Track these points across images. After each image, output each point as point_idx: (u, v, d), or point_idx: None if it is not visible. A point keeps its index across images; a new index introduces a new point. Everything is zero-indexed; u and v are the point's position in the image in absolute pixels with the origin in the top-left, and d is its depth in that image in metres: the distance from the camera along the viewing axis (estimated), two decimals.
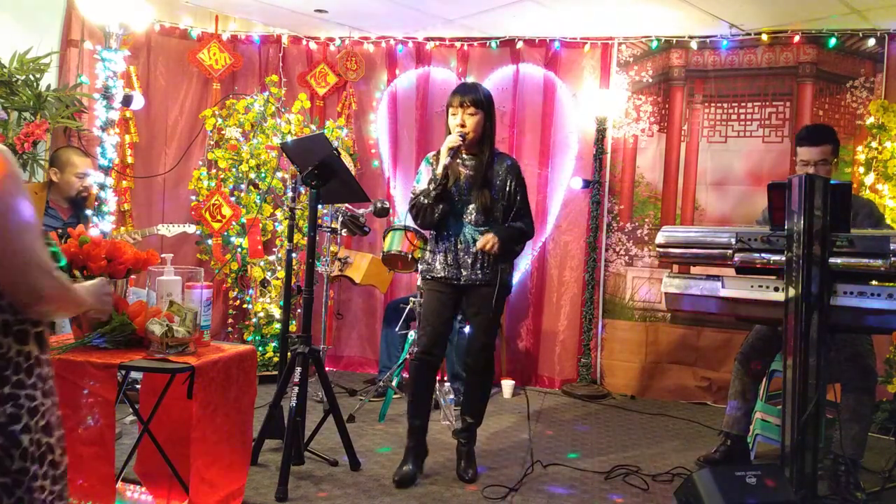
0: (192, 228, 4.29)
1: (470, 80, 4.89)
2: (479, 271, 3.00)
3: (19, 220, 1.28)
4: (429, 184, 2.96)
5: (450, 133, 2.99)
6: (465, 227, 3.02)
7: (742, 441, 3.37)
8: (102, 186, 3.71)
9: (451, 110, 2.99)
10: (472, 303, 3.05)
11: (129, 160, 4.77)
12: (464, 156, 3.03)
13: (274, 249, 4.83)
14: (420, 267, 3.20)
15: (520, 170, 3.10)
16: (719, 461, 3.32)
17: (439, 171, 2.93)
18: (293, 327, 4.55)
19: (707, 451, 3.50)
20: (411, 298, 3.94)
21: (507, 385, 4.63)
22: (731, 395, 3.41)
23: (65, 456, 1.39)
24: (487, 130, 3.00)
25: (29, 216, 1.29)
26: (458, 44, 5.04)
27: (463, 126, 2.94)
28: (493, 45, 4.99)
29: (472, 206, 3.01)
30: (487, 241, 2.92)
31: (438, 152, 3.01)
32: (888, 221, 3.87)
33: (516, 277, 4.97)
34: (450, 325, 3.12)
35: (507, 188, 3.03)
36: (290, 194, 3.65)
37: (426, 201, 2.96)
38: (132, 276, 2.48)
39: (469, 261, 3.00)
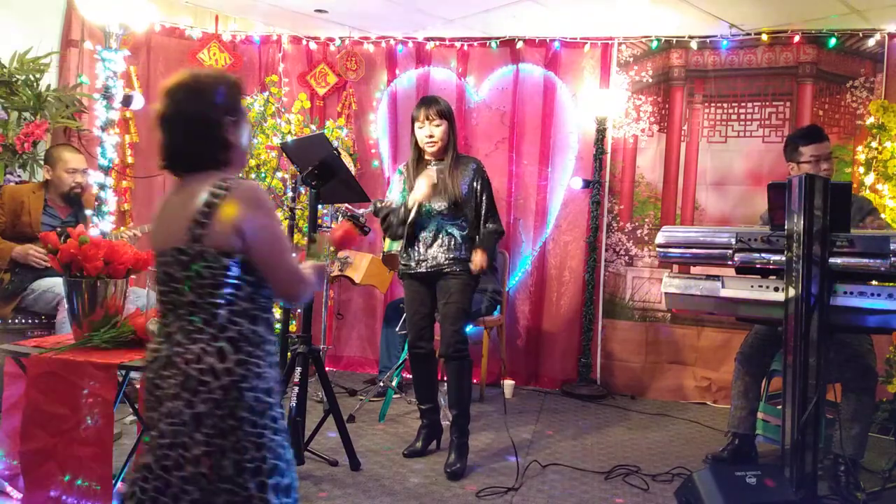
0: None
1: (471, 81, 4.95)
2: (447, 261, 3.22)
3: (285, 246, 1.66)
4: (401, 207, 3.20)
5: (417, 144, 3.26)
6: (433, 221, 3.21)
7: (749, 440, 3.37)
8: (102, 186, 3.71)
9: (416, 123, 3.25)
10: (441, 293, 3.24)
11: (129, 160, 4.78)
12: (432, 163, 3.27)
13: None
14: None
15: (484, 171, 3.35)
16: (727, 460, 3.33)
17: (411, 204, 3.15)
18: (293, 327, 4.54)
19: (709, 451, 3.50)
20: None
21: (508, 385, 4.63)
22: (734, 395, 3.42)
23: (283, 416, 1.67)
24: (451, 137, 3.26)
25: (287, 240, 1.72)
26: (458, 44, 5.04)
27: (431, 137, 3.20)
28: (493, 45, 4.99)
29: (442, 204, 3.20)
30: (479, 262, 3.20)
31: (407, 165, 3.31)
32: (888, 222, 3.88)
33: (516, 278, 4.99)
34: (430, 316, 3.33)
35: (475, 186, 3.27)
36: (290, 194, 3.65)
37: (395, 220, 3.23)
38: (132, 276, 2.48)
39: (437, 253, 3.23)
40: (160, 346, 1.61)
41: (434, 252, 3.22)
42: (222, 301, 1.58)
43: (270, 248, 1.61)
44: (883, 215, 3.64)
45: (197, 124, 1.63)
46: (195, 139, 1.64)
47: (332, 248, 2.15)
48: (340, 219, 3.82)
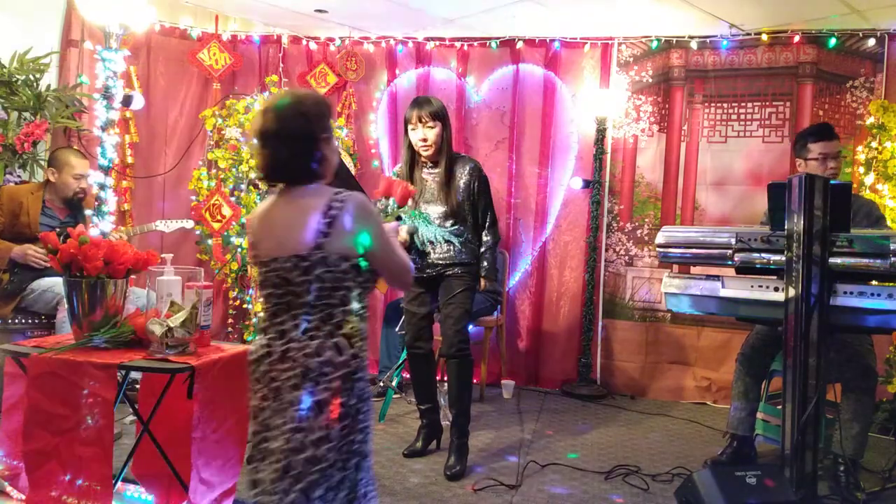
0: (189, 224, 4.32)
1: (471, 81, 4.97)
2: (449, 263, 3.24)
3: (395, 244, 1.92)
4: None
5: (411, 146, 3.24)
6: (434, 229, 3.18)
7: (748, 441, 3.36)
8: (102, 186, 3.70)
9: (409, 126, 3.22)
10: (444, 293, 3.26)
11: (129, 160, 4.77)
12: (427, 165, 3.26)
13: None
14: None
15: (482, 171, 3.32)
16: (726, 463, 3.32)
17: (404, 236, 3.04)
18: None
19: (709, 451, 3.50)
20: None
21: (507, 385, 4.63)
22: (734, 396, 3.41)
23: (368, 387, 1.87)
24: (445, 139, 3.23)
25: (393, 238, 1.96)
26: (458, 44, 5.04)
27: (425, 140, 3.17)
28: (493, 45, 4.99)
29: (440, 210, 3.21)
30: (484, 286, 3.32)
31: (402, 167, 3.32)
32: (888, 222, 3.87)
33: (516, 278, 4.98)
34: (429, 317, 3.35)
35: (471, 188, 3.24)
36: None
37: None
38: (132, 276, 2.48)
39: (437, 259, 3.24)
40: (271, 342, 1.78)
41: (435, 258, 3.24)
42: (337, 302, 1.78)
43: (385, 250, 1.84)
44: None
45: (300, 141, 1.81)
46: (298, 154, 1.81)
47: (396, 206, 2.37)
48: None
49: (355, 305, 1.81)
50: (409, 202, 2.50)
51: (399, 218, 2.56)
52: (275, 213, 1.85)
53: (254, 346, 1.84)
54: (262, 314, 1.86)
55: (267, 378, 1.78)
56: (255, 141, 1.86)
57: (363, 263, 1.81)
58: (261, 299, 1.88)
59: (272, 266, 1.80)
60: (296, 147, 1.80)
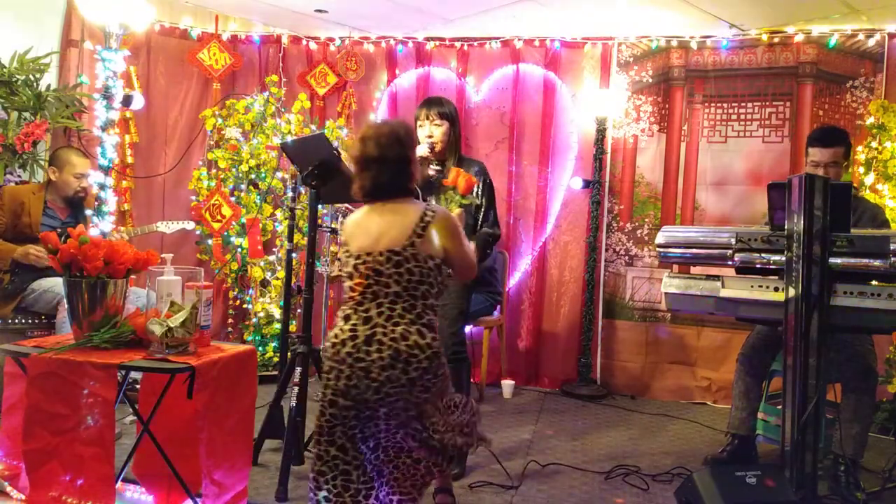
0: (190, 225, 4.32)
1: (471, 81, 4.97)
2: None
3: (469, 247, 2.26)
4: None
5: (419, 144, 3.25)
6: None
7: (749, 441, 3.36)
8: (102, 186, 3.71)
9: (418, 122, 3.26)
10: None
11: (129, 160, 4.77)
12: (433, 164, 3.26)
13: (274, 249, 4.83)
14: None
15: (487, 173, 3.33)
16: (726, 461, 3.32)
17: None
18: (293, 327, 4.55)
19: (709, 451, 3.50)
20: None
21: (507, 385, 4.63)
22: (734, 396, 3.41)
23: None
24: (453, 139, 3.27)
25: (465, 239, 2.25)
26: (458, 44, 5.04)
27: (431, 137, 3.20)
28: (493, 45, 4.99)
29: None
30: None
31: None
32: (889, 222, 3.87)
33: (516, 278, 4.99)
34: None
35: (477, 190, 3.23)
36: (290, 194, 3.65)
37: None
38: (132, 276, 2.48)
39: None
40: (357, 327, 2.05)
41: None
42: (420, 294, 2.08)
43: (462, 253, 2.20)
44: None
45: (400, 164, 2.17)
46: (398, 175, 2.17)
47: (460, 196, 2.62)
48: (340, 219, 3.81)
49: (431, 301, 2.11)
50: (473, 192, 2.77)
51: (462, 206, 2.85)
52: (371, 218, 2.17)
53: (335, 331, 2.09)
54: (345, 304, 2.12)
55: (351, 359, 2.02)
56: (352, 166, 2.23)
57: (438, 264, 2.13)
58: (347, 288, 2.14)
59: (363, 259, 2.09)
60: (395, 169, 2.16)
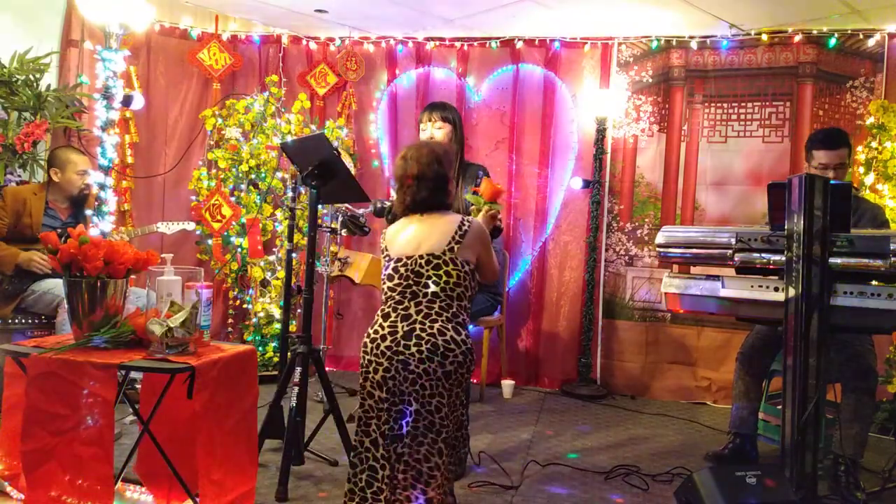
0: (190, 226, 4.32)
1: (471, 81, 5.01)
2: None
3: (494, 257, 2.47)
4: None
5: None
6: None
7: (751, 440, 3.37)
8: (102, 186, 3.71)
9: (421, 125, 3.34)
10: None
11: (129, 160, 4.77)
12: None
13: (274, 249, 4.83)
14: None
15: (489, 176, 3.30)
16: (728, 458, 3.33)
17: None
18: (293, 327, 4.55)
19: (710, 449, 3.50)
20: None
21: (507, 385, 4.63)
22: (735, 395, 3.41)
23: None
24: (454, 142, 3.31)
25: (492, 249, 2.48)
26: (458, 44, 5.04)
27: (432, 139, 3.25)
28: (493, 45, 4.99)
29: None
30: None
31: None
32: (890, 222, 3.87)
33: (516, 278, 4.99)
34: None
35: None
36: (290, 194, 3.65)
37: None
38: (132, 276, 2.48)
39: None
40: (396, 323, 2.23)
41: None
42: (455, 296, 2.27)
43: (489, 260, 2.44)
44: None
45: (440, 182, 2.40)
46: (438, 192, 2.40)
47: (484, 203, 2.75)
48: (340, 219, 3.81)
49: (465, 303, 2.30)
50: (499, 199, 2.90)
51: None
52: (411, 228, 2.38)
53: (374, 328, 2.28)
54: (385, 304, 2.33)
55: (391, 352, 2.19)
56: (394, 183, 2.49)
57: (471, 269, 2.35)
58: (385, 289, 2.34)
59: (404, 262, 2.30)
60: (434, 186, 2.38)
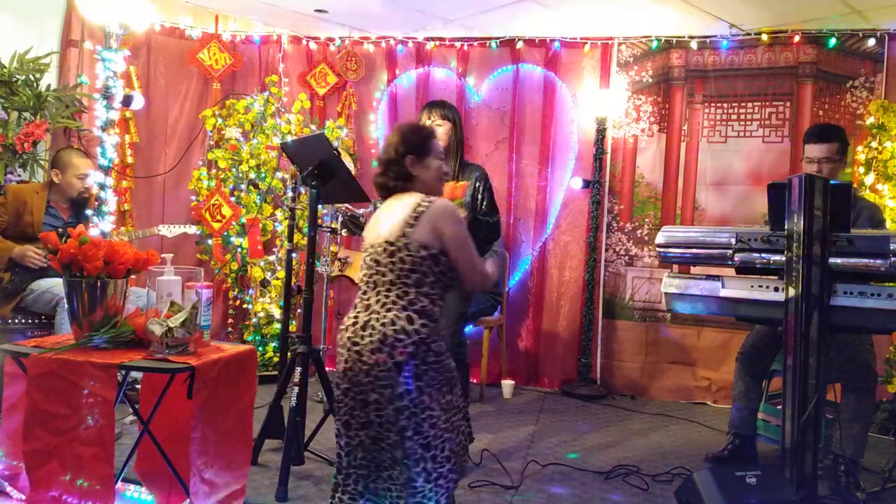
0: (192, 229, 4.31)
1: (471, 81, 5.03)
2: None
3: (471, 247, 2.23)
4: None
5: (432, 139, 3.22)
6: None
7: (751, 440, 3.37)
8: (102, 186, 3.71)
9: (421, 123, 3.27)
10: None
11: (129, 160, 4.77)
12: None
13: (274, 249, 4.83)
14: None
15: (487, 176, 3.35)
16: (727, 459, 3.33)
17: None
18: (293, 327, 4.55)
19: (710, 450, 3.50)
20: None
21: (507, 385, 4.63)
22: (734, 395, 3.41)
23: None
24: (454, 141, 3.31)
25: (471, 242, 2.25)
26: (458, 44, 5.04)
27: None
28: (493, 45, 4.99)
29: None
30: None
31: None
32: (889, 222, 3.87)
33: (516, 278, 4.99)
34: None
35: (476, 194, 3.26)
36: (290, 194, 3.65)
37: None
38: (132, 277, 2.48)
39: None
40: (359, 314, 2.17)
41: None
42: (412, 283, 2.14)
43: (460, 249, 2.19)
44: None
45: (393, 161, 2.30)
46: (390, 172, 2.31)
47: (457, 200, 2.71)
48: (340, 219, 3.82)
49: (426, 289, 2.15)
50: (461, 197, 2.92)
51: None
52: (380, 214, 2.31)
53: (344, 319, 2.23)
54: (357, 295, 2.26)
55: (350, 342, 2.14)
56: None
57: (433, 254, 2.16)
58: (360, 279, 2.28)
59: (369, 251, 2.24)
60: (393, 169, 2.30)
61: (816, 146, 3.20)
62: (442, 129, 3.27)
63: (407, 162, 2.29)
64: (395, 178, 2.30)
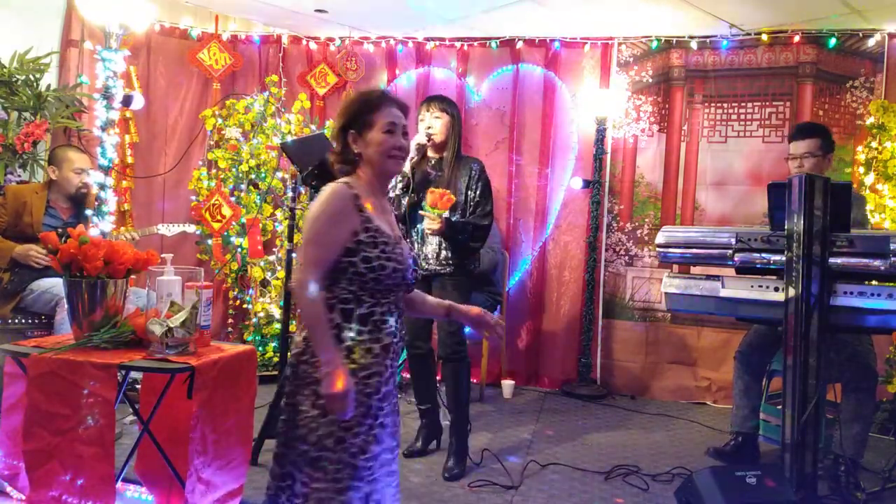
0: (191, 228, 4.31)
1: (471, 81, 5.04)
2: (440, 262, 3.22)
3: (309, 238, 1.88)
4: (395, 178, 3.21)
5: (418, 145, 3.25)
6: (425, 221, 3.17)
7: (752, 439, 3.37)
8: (102, 186, 3.71)
9: (419, 117, 3.30)
10: (437, 294, 3.14)
11: (129, 160, 4.77)
12: (430, 156, 3.29)
13: (274, 249, 4.83)
14: None
15: (484, 170, 3.33)
16: (729, 454, 3.33)
17: (406, 166, 3.14)
18: (293, 327, 4.54)
19: (713, 445, 3.51)
20: None
21: (507, 385, 4.63)
22: (735, 395, 3.42)
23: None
24: (452, 134, 3.27)
25: (314, 244, 1.88)
26: (458, 44, 5.04)
27: (429, 128, 3.23)
28: (493, 45, 4.99)
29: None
30: (428, 224, 3.10)
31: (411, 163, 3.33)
32: (888, 221, 3.88)
33: (516, 277, 4.98)
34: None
35: (470, 192, 3.24)
36: (290, 194, 3.65)
37: (392, 194, 3.20)
38: (132, 277, 2.48)
39: (430, 253, 3.22)
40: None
41: (427, 252, 3.23)
42: (333, 298, 1.83)
43: (303, 240, 1.89)
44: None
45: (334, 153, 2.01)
46: (336, 164, 2.02)
47: (433, 210, 2.76)
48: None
49: (330, 296, 1.81)
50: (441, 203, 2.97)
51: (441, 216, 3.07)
52: None
53: None
54: None
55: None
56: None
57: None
58: None
59: None
60: (336, 157, 2.02)
61: (797, 143, 3.24)
62: (441, 122, 3.25)
63: (349, 139, 1.93)
64: (342, 163, 1.97)
